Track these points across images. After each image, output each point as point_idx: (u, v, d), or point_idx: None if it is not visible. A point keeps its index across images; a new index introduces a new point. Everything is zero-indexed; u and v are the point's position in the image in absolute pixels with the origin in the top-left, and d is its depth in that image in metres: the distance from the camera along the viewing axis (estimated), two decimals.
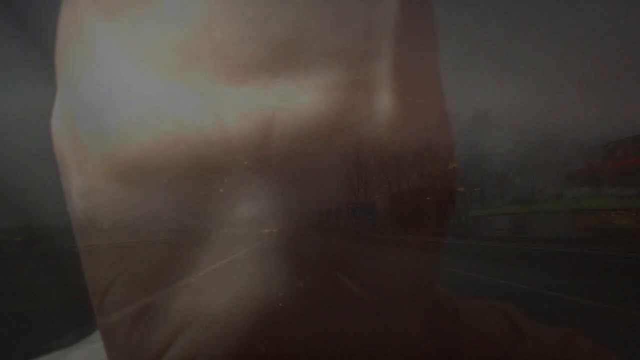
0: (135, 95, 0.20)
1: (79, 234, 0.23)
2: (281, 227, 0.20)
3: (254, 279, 0.20)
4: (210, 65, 0.19)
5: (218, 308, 0.20)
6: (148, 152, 0.19)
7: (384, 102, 0.20)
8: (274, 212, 0.20)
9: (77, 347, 0.44)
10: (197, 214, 0.20)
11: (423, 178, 0.23)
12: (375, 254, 0.23)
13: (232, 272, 0.21)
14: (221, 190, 0.19)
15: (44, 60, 0.24)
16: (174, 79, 0.19)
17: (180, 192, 0.20)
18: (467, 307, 0.24)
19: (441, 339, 0.22)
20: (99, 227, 0.22)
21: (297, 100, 0.19)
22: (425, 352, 0.21)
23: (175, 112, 0.19)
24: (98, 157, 0.20)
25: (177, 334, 0.20)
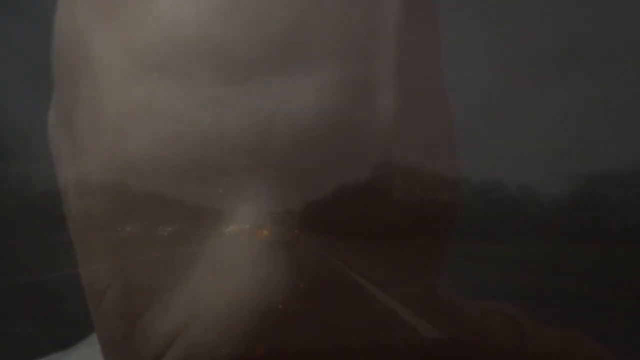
0: (132, 94, 0.19)
1: (76, 233, 0.23)
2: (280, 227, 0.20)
3: None
4: (209, 64, 0.19)
5: None
6: (146, 152, 0.19)
7: (385, 101, 0.20)
8: (274, 212, 0.20)
9: (74, 350, 0.44)
10: (196, 214, 0.20)
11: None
12: None
13: None
14: (220, 191, 0.19)
15: (41, 57, 0.24)
16: (172, 77, 0.19)
17: (178, 191, 0.19)
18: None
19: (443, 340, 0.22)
20: (95, 227, 0.21)
21: (297, 98, 0.19)
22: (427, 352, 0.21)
23: (174, 111, 0.19)
24: (95, 157, 0.20)
25: (177, 335, 0.20)
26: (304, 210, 0.20)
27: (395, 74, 0.20)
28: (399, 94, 0.20)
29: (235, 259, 0.20)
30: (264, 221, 0.20)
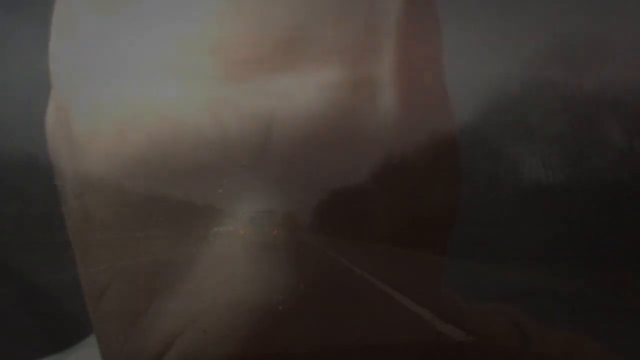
0: (131, 93, 0.19)
1: (74, 234, 0.23)
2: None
3: None
4: (209, 62, 0.19)
5: None
6: (144, 152, 0.19)
7: (386, 100, 0.20)
8: (274, 212, 0.20)
9: (74, 350, 0.44)
10: (195, 214, 0.20)
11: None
12: None
13: None
14: (220, 191, 0.19)
15: (39, 57, 0.23)
16: (172, 76, 0.19)
17: (178, 192, 0.19)
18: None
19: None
20: (94, 227, 0.21)
21: (298, 98, 0.19)
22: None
23: (173, 110, 0.19)
24: (93, 157, 0.20)
25: (176, 336, 0.20)
26: (303, 210, 0.20)
27: (397, 72, 0.20)
28: (400, 93, 0.20)
29: (235, 259, 0.20)
30: (261, 220, 0.20)
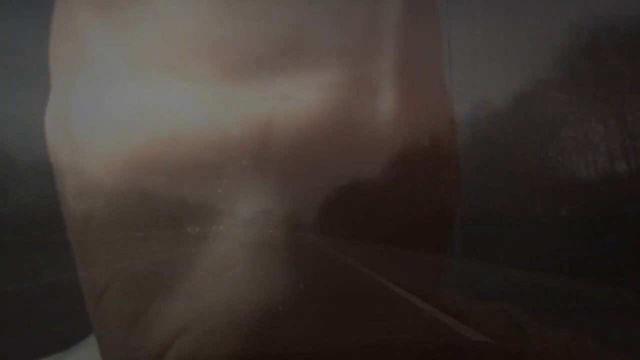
0: (131, 94, 0.19)
1: (74, 234, 0.23)
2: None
3: None
4: (208, 62, 0.19)
5: None
6: (144, 152, 0.19)
7: (386, 100, 0.20)
8: (273, 213, 0.20)
9: (74, 350, 0.44)
10: (195, 214, 0.20)
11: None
12: None
13: None
14: (219, 191, 0.19)
15: (37, 58, 0.23)
16: (171, 77, 0.19)
17: (177, 192, 0.19)
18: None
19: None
20: (94, 227, 0.21)
21: (298, 98, 0.19)
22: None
23: (173, 110, 0.19)
24: (93, 157, 0.20)
25: (176, 336, 0.20)
26: (303, 209, 0.20)
27: (397, 73, 0.20)
28: (400, 93, 0.20)
29: (234, 259, 0.20)
30: (261, 220, 0.20)
